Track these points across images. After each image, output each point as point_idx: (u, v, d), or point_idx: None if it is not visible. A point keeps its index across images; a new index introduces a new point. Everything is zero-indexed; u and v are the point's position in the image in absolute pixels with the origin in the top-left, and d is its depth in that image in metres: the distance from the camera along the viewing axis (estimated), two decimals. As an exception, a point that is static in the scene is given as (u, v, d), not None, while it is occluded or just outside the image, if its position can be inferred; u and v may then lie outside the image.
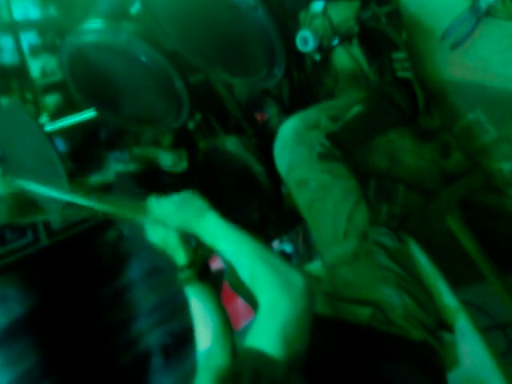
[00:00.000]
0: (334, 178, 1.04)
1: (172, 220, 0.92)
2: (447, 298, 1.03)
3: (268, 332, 0.68)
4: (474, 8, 1.14)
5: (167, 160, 1.92)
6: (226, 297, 2.09)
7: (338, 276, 0.98)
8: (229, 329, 0.91)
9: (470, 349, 0.98)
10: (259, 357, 0.65)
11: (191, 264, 0.94)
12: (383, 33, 1.31)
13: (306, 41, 1.29)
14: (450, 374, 0.95)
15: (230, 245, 0.83)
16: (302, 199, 1.08)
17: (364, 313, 0.93)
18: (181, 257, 0.95)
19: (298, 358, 0.67)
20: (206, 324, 0.90)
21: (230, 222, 0.87)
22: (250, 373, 0.63)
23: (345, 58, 1.46)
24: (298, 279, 0.73)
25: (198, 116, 1.77)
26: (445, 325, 0.99)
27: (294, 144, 1.08)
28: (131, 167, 1.92)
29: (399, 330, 0.89)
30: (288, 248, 1.98)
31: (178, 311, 2.01)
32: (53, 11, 1.87)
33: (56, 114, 1.82)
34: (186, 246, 0.95)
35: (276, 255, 0.81)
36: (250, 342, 0.68)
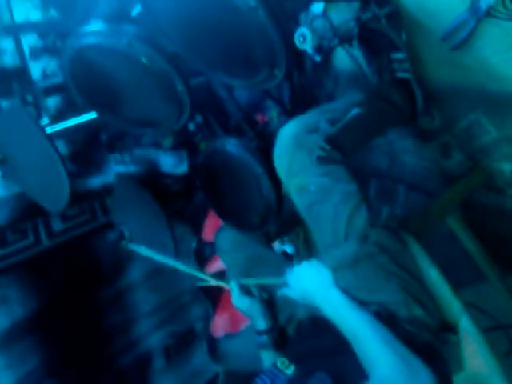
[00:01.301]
0: (333, 182, 1.04)
1: (295, 286, 1.02)
2: (450, 299, 1.03)
3: None
4: (473, 8, 1.14)
5: (168, 162, 1.93)
6: (226, 299, 2.09)
7: (339, 279, 0.98)
8: None
9: (472, 350, 0.98)
10: None
11: (268, 331, 1.10)
12: (383, 33, 1.31)
13: (303, 37, 1.30)
14: (453, 375, 0.95)
15: (352, 323, 0.85)
16: (302, 203, 1.08)
17: (368, 310, 0.93)
18: (261, 323, 1.11)
19: None
20: None
21: (354, 301, 0.91)
22: None
23: (345, 59, 1.46)
24: (425, 375, 0.74)
25: (199, 118, 1.78)
26: (449, 326, 0.99)
27: (293, 148, 1.08)
28: (132, 169, 1.92)
29: (403, 333, 0.89)
30: (289, 249, 1.98)
31: (179, 313, 2.01)
32: (54, 13, 1.88)
33: (57, 116, 1.82)
34: (268, 314, 1.13)
35: (401, 344, 0.80)
36: None
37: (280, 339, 1.12)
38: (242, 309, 1.17)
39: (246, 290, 1.18)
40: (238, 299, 1.17)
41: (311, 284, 0.98)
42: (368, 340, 0.80)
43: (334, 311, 0.90)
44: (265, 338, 1.10)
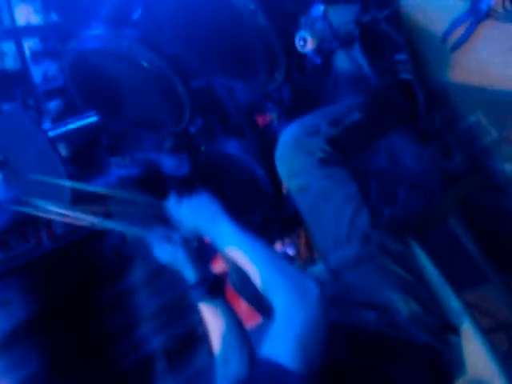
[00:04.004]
0: (334, 184, 1.04)
1: (186, 222, 0.96)
2: (451, 300, 1.03)
3: (284, 340, 0.68)
4: (473, 10, 1.14)
5: (169, 164, 1.93)
6: (228, 299, 2.08)
7: (341, 280, 0.98)
8: (245, 340, 0.92)
9: (473, 350, 0.98)
10: (275, 366, 0.65)
11: (202, 280, 0.97)
12: (385, 34, 1.31)
13: (304, 41, 1.30)
14: (455, 375, 0.95)
15: (242, 251, 0.84)
16: (303, 205, 1.08)
17: (369, 316, 0.93)
18: (190, 273, 0.97)
19: (314, 365, 0.67)
20: (223, 337, 0.91)
21: (242, 228, 0.88)
22: (266, 382, 0.64)
23: (345, 61, 1.47)
24: (311, 286, 0.73)
25: (200, 120, 1.78)
26: (450, 327, 0.99)
27: (293, 151, 1.08)
28: (133, 172, 1.92)
29: (404, 334, 0.89)
30: (290, 250, 1.98)
31: (181, 315, 2.00)
32: (54, 17, 1.88)
33: (58, 119, 1.83)
34: (195, 261, 0.99)
35: (287, 262, 0.81)
36: (266, 351, 0.68)
37: (216, 288, 1.00)
38: (166, 260, 1.01)
39: (168, 239, 1.02)
40: (159, 249, 1.01)
41: (201, 218, 0.93)
42: (261, 267, 0.80)
43: (225, 239, 0.87)
44: (199, 291, 0.97)
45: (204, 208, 0.94)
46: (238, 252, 0.84)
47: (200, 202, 0.95)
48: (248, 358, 0.88)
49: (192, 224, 0.95)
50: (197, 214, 0.94)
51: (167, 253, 1.00)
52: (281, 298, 0.74)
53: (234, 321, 0.94)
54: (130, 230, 1.13)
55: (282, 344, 0.68)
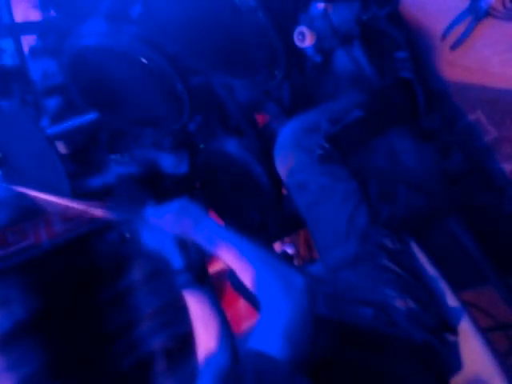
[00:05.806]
0: (333, 181, 1.05)
1: (171, 228, 0.94)
2: (449, 299, 1.03)
3: (270, 332, 0.69)
4: (473, 8, 1.14)
5: (168, 162, 1.93)
6: (228, 298, 2.08)
7: (339, 278, 0.98)
8: (229, 330, 0.92)
9: (471, 350, 0.98)
10: (262, 357, 0.66)
11: (188, 268, 0.95)
12: (385, 33, 1.31)
13: (303, 36, 1.29)
14: (453, 375, 0.96)
15: (229, 249, 0.84)
16: (302, 202, 1.09)
17: (366, 314, 0.93)
18: (177, 261, 0.96)
19: (301, 357, 0.68)
20: (206, 326, 0.91)
21: (227, 227, 0.89)
22: (253, 373, 0.64)
23: (345, 59, 1.46)
24: (297, 279, 0.75)
25: (199, 118, 1.78)
26: (448, 326, 0.99)
27: (293, 148, 1.09)
28: (132, 170, 1.92)
29: (402, 331, 0.89)
30: (289, 250, 1.98)
31: (180, 314, 2.00)
32: (53, 13, 1.87)
33: (57, 117, 1.82)
34: (182, 249, 0.97)
35: (275, 256, 0.82)
36: (252, 343, 0.69)
37: (202, 276, 0.99)
38: (153, 245, 1.01)
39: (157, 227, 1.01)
40: (147, 234, 1.01)
41: (184, 222, 0.93)
42: (247, 263, 0.81)
43: (211, 240, 0.88)
44: (185, 277, 0.97)
45: (186, 212, 0.93)
46: (225, 251, 0.85)
47: (181, 206, 0.94)
48: (231, 349, 0.88)
49: (175, 230, 0.94)
50: (179, 218, 0.93)
51: (155, 238, 0.98)
52: (266, 291, 0.75)
53: (218, 311, 0.94)
54: (119, 216, 1.11)
55: (267, 336, 0.69)
